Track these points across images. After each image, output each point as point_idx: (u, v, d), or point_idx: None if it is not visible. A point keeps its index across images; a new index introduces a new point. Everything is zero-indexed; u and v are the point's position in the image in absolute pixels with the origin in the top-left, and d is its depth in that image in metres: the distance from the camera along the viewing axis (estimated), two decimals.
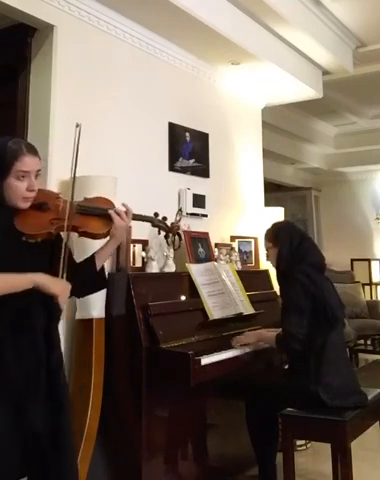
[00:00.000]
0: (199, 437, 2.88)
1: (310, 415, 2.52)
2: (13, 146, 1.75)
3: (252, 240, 3.83)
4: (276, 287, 3.19)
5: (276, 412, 2.63)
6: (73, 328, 2.68)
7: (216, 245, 3.55)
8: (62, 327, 2.65)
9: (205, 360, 2.50)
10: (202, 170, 3.78)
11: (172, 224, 2.30)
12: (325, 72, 4.59)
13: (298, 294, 2.60)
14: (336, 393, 2.54)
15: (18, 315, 1.74)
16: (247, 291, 3.25)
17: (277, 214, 3.94)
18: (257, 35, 3.67)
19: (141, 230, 2.83)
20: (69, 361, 2.65)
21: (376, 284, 7.83)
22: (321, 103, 5.31)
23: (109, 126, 3.07)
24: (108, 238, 2.02)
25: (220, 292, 3.05)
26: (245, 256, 3.78)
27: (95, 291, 2.13)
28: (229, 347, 2.76)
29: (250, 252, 3.83)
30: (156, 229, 2.28)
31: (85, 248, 2.26)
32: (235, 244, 3.74)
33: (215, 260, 3.34)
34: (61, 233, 1.90)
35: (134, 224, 2.16)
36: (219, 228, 3.79)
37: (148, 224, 2.26)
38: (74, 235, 2.00)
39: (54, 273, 1.79)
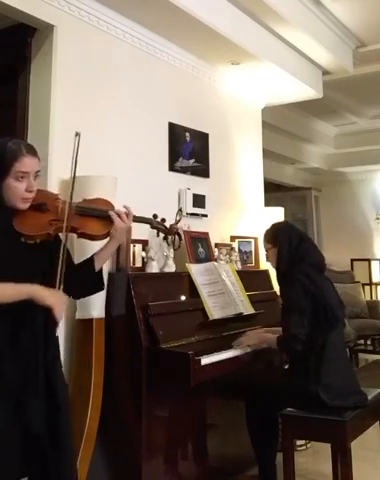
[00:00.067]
0: (199, 437, 2.88)
1: (310, 415, 2.52)
2: (13, 147, 1.74)
3: (252, 240, 3.83)
4: (276, 287, 3.20)
5: (276, 412, 2.63)
6: (73, 328, 2.68)
7: (216, 245, 3.55)
8: (62, 327, 2.65)
9: (205, 360, 2.50)
10: (202, 170, 3.78)
11: (171, 226, 2.29)
12: (325, 72, 4.59)
13: (298, 294, 2.60)
14: (336, 393, 2.54)
15: (19, 309, 1.73)
16: (247, 291, 3.25)
17: (277, 214, 3.94)
18: (257, 35, 3.67)
19: (141, 230, 2.83)
20: (69, 361, 2.65)
21: (376, 284, 7.83)
22: (321, 103, 5.31)
23: (109, 126, 3.07)
24: (108, 239, 2.01)
25: (220, 292, 3.05)
26: (245, 256, 3.78)
27: (93, 293, 2.12)
28: (229, 347, 2.76)
29: (250, 252, 3.83)
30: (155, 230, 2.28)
31: (85, 249, 2.26)
32: (235, 244, 3.74)
33: (215, 260, 3.34)
34: (60, 234, 1.90)
35: (134, 224, 2.16)
36: (219, 228, 3.79)
37: (148, 225, 2.26)
38: (74, 236, 2.00)
39: (53, 274, 1.78)
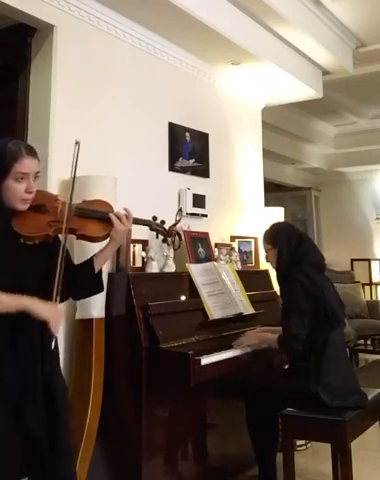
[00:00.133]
0: (199, 437, 2.88)
1: (310, 415, 2.52)
2: (12, 148, 1.73)
3: (252, 240, 3.83)
4: (276, 287, 3.20)
5: (276, 412, 2.63)
6: (73, 328, 2.68)
7: (216, 245, 3.55)
8: (62, 327, 2.65)
9: (205, 360, 2.49)
10: (202, 170, 3.78)
11: (170, 228, 2.29)
12: (325, 72, 4.59)
13: (298, 294, 2.60)
14: (336, 393, 2.54)
15: (18, 314, 1.73)
16: (247, 291, 3.25)
17: (277, 214, 3.94)
18: (257, 35, 3.67)
19: (141, 230, 2.81)
20: (69, 361, 2.66)
21: (376, 284, 7.83)
22: (321, 103, 5.31)
23: (109, 126, 3.07)
24: (107, 241, 2.01)
25: (220, 292, 3.05)
26: (245, 256, 3.78)
27: (92, 294, 2.11)
28: (229, 347, 2.76)
29: (250, 252, 3.83)
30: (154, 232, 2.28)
31: (85, 250, 2.25)
32: (235, 244, 3.74)
33: (215, 260, 3.34)
34: (59, 235, 1.89)
35: (133, 225, 2.16)
36: (219, 228, 3.79)
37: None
38: (73, 237, 2.00)
39: (52, 276, 1.77)
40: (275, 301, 3.42)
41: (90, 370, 2.53)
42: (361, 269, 7.73)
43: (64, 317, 1.87)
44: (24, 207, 1.79)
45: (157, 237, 2.52)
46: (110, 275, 2.68)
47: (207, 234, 3.49)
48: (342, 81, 5.03)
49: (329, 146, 7.59)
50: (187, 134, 3.65)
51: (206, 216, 3.67)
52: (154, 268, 2.91)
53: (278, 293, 3.00)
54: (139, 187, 3.20)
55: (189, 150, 3.66)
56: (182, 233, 3.07)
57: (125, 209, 2.01)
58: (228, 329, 2.96)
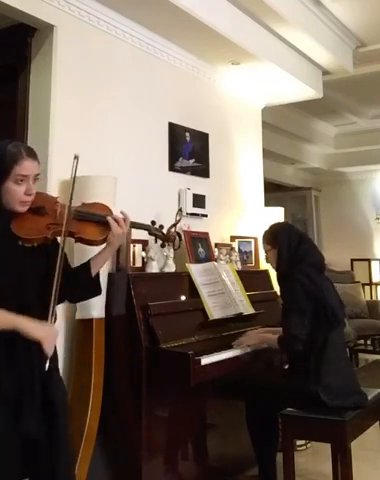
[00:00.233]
0: (199, 437, 2.88)
1: (310, 415, 2.52)
2: (13, 150, 1.73)
3: (252, 240, 3.83)
4: (276, 287, 3.20)
5: (276, 412, 2.63)
6: (73, 328, 2.68)
7: (216, 245, 3.55)
8: (62, 327, 2.66)
9: (205, 360, 2.50)
10: (202, 170, 3.78)
11: (169, 232, 2.30)
12: (325, 72, 4.59)
13: (298, 294, 2.60)
14: (336, 393, 2.54)
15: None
16: (247, 291, 3.25)
17: (277, 214, 3.94)
18: (257, 35, 3.67)
19: (141, 230, 2.83)
20: (69, 361, 2.66)
21: (376, 284, 7.83)
22: (321, 103, 5.31)
23: (109, 126, 3.06)
24: (105, 244, 2.00)
25: (220, 292, 3.05)
26: (245, 256, 3.78)
27: (89, 297, 2.11)
28: (229, 347, 2.76)
29: (250, 252, 3.83)
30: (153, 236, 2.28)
31: (84, 253, 2.24)
32: (235, 244, 3.74)
33: (215, 260, 3.34)
34: (58, 238, 1.89)
35: None
36: (219, 228, 3.79)
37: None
38: (72, 239, 1.99)
39: (51, 278, 1.77)
40: (275, 301, 3.42)
41: (90, 370, 2.53)
42: (361, 269, 7.74)
43: (58, 335, 1.81)
44: (23, 209, 1.78)
45: (156, 241, 2.53)
46: (110, 275, 2.68)
47: (207, 234, 3.49)
48: (342, 81, 5.03)
49: (329, 146, 7.59)
50: (187, 134, 3.65)
51: (206, 216, 3.67)
52: (154, 268, 2.91)
53: (278, 293, 3.00)
54: (139, 187, 3.20)
55: (189, 150, 3.65)
56: (182, 233, 3.08)
57: (122, 212, 2.00)
58: (228, 329, 2.96)
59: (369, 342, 6.80)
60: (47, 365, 1.72)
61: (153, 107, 3.41)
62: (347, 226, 8.18)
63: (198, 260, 3.26)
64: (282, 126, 6.27)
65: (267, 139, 4.93)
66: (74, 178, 1.84)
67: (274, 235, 2.82)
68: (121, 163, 3.09)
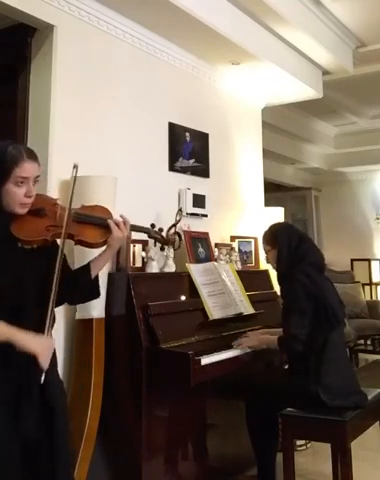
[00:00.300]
0: (199, 437, 2.88)
1: (310, 415, 2.52)
2: (13, 151, 1.72)
3: (252, 240, 3.83)
4: (276, 287, 3.19)
5: (276, 412, 2.63)
6: (73, 328, 2.68)
7: (216, 245, 3.55)
8: (62, 327, 2.66)
9: (205, 360, 2.50)
10: (202, 170, 3.78)
11: (168, 235, 2.30)
12: (325, 72, 4.59)
13: (299, 294, 2.60)
14: (336, 393, 2.54)
15: (12, 314, 1.73)
16: (247, 291, 3.25)
17: (277, 214, 3.94)
18: (257, 35, 3.67)
19: None
20: (69, 361, 2.66)
21: (376, 284, 7.83)
22: (321, 103, 5.31)
23: (109, 126, 3.06)
24: (105, 247, 2.00)
25: (220, 292, 3.04)
26: (245, 256, 3.78)
27: (89, 300, 2.11)
28: (229, 347, 2.76)
29: (250, 252, 3.83)
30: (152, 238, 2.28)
31: (84, 255, 2.24)
32: (235, 244, 3.74)
33: (215, 260, 3.34)
34: (57, 240, 1.89)
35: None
36: (219, 228, 3.79)
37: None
38: (72, 242, 1.99)
39: (50, 280, 1.76)
40: (275, 301, 3.42)
41: (90, 370, 2.53)
42: (361, 269, 7.74)
43: (54, 347, 1.79)
44: (23, 211, 1.78)
45: (155, 245, 2.53)
46: (110, 275, 2.68)
47: (207, 234, 3.49)
48: (342, 81, 5.03)
49: (329, 146, 7.59)
50: (187, 134, 3.65)
51: (206, 216, 3.67)
52: (154, 268, 2.91)
53: (278, 293, 3.00)
54: (139, 187, 3.20)
55: (189, 150, 3.65)
56: (182, 233, 3.08)
57: (122, 216, 2.00)
58: (228, 329, 2.96)
59: (369, 342, 6.80)
60: (42, 378, 1.69)
61: (153, 107, 3.41)
62: (347, 226, 8.18)
63: (198, 260, 3.26)
64: (282, 126, 6.27)
65: (267, 139, 4.93)
66: (73, 187, 1.84)
67: (274, 235, 2.81)
68: (121, 163, 3.09)
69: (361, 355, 6.53)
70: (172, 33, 3.35)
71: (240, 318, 3.07)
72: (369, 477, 2.98)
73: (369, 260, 7.87)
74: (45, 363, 1.70)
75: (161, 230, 2.26)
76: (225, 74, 3.97)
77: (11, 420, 1.68)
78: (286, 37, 3.90)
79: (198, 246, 3.35)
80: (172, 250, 2.99)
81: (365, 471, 2.94)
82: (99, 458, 2.57)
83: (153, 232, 2.20)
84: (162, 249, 2.67)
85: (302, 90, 4.40)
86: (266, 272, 3.66)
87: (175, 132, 3.55)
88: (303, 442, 3.47)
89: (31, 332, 1.70)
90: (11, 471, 1.69)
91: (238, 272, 3.33)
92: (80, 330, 2.63)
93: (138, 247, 2.93)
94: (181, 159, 3.58)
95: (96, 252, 2.02)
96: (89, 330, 2.57)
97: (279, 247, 2.76)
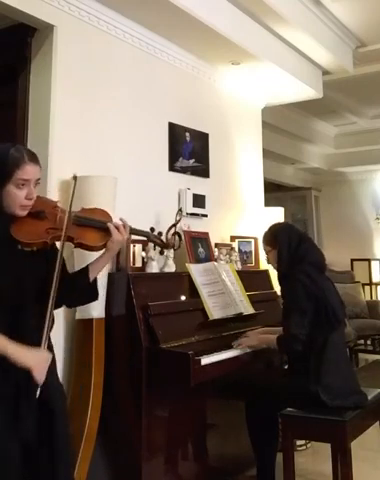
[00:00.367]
0: (199, 437, 2.88)
1: (310, 415, 2.52)
2: (15, 154, 1.72)
3: (252, 240, 3.83)
4: (276, 287, 3.19)
5: (276, 412, 2.62)
6: (73, 328, 2.68)
7: (216, 245, 3.55)
8: (62, 327, 2.66)
9: (205, 360, 2.50)
10: (202, 170, 3.78)
11: (167, 239, 2.30)
12: (325, 72, 4.59)
13: (299, 294, 2.60)
14: (336, 393, 2.54)
15: (12, 313, 1.73)
16: (247, 291, 3.25)
17: (277, 214, 3.94)
18: (257, 35, 3.67)
19: None
20: (69, 361, 2.66)
21: (376, 284, 7.83)
22: (321, 103, 5.31)
23: (109, 126, 3.06)
24: (103, 250, 2.00)
25: (220, 292, 3.04)
26: (245, 256, 3.78)
27: (87, 303, 2.11)
28: (229, 347, 2.76)
29: (250, 252, 3.83)
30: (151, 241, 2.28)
31: (83, 258, 2.24)
32: (235, 244, 3.74)
33: (215, 260, 3.34)
34: (57, 242, 1.89)
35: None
36: (219, 228, 3.79)
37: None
38: (71, 245, 1.99)
39: (49, 282, 1.77)
40: (275, 301, 3.42)
41: (90, 370, 2.53)
42: (361, 269, 7.74)
43: (50, 360, 1.77)
44: (23, 213, 1.78)
45: (154, 248, 2.54)
46: (110, 275, 2.68)
47: (207, 234, 3.49)
48: (342, 81, 5.03)
49: (329, 146, 7.59)
50: (187, 134, 3.65)
51: (206, 216, 3.67)
52: (154, 268, 2.91)
53: (278, 293, 3.00)
54: (139, 187, 3.20)
55: (189, 150, 3.65)
56: (182, 233, 3.08)
57: (121, 219, 2.00)
58: (228, 329, 2.96)
59: (369, 342, 6.80)
60: (38, 393, 1.67)
61: (153, 107, 3.41)
62: (347, 226, 8.18)
63: (198, 260, 3.26)
64: (282, 126, 6.27)
65: (267, 139, 4.93)
66: (72, 196, 1.85)
67: (274, 236, 2.81)
68: (121, 163, 3.09)
69: (361, 355, 6.54)
70: (172, 33, 3.35)
71: (240, 318, 3.06)
72: (369, 477, 2.98)
73: (369, 260, 7.87)
74: (40, 377, 1.67)
75: (160, 234, 2.26)
76: (225, 74, 3.97)
77: (11, 420, 1.68)
78: (286, 37, 3.90)
79: (198, 246, 3.35)
80: (172, 250, 2.99)
81: (365, 471, 2.94)
82: (99, 458, 2.57)
83: (152, 236, 2.20)
84: (161, 253, 2.68)
85: (302, 90, 4.40)
86: (266, 272, 3.66)
87: (175, 132, 3.55)
88: (303, 442, 3.47)
89: (29, 333, 1.70)
90: (11, 471, 1.69)
91: (238, 272, 3.33)
92: (80, 330, 2.63)
93: (138, 247, 2.93)
94: (181, 159, 3.58)
95: (96, 255, 2.02)
96: (89, 330, 2.57)
97: (279, 247, 2.76)
